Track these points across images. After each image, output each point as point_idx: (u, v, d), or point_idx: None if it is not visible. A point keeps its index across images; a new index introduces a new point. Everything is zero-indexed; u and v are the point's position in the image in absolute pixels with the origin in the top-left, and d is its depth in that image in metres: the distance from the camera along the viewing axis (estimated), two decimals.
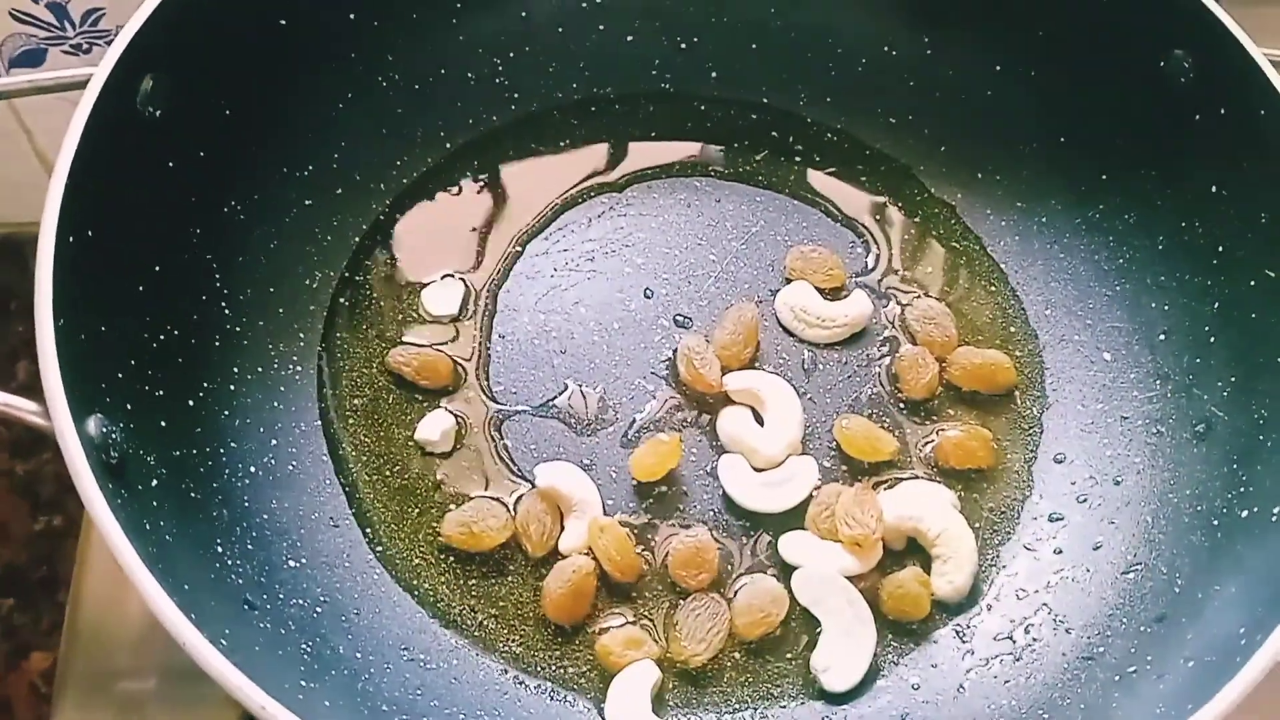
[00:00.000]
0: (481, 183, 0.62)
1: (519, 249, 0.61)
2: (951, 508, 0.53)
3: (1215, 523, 0.48)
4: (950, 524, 0.51)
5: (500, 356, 0.57)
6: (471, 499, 0.53)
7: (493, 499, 0.53)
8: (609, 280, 0.60)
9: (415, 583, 0.52)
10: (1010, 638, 0.50)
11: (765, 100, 0.65)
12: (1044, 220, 0.60)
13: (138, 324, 0.49)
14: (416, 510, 0.53)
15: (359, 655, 0.48)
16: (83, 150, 0.45)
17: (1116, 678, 0.46)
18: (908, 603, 0.51)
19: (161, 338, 0.50)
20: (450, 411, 0.56)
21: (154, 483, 0.45)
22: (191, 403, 0.50)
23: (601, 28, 0.63)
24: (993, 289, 0.60)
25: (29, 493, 0.67)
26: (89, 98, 0.46)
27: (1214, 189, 0.53)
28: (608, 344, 0.58)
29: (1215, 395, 0.52)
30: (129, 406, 0.46)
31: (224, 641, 0.39)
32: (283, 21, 0.55)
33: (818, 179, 0.63)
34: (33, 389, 0.42)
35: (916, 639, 0.51)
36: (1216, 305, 0.53)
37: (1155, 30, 0.54)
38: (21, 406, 0.42)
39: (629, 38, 0.64)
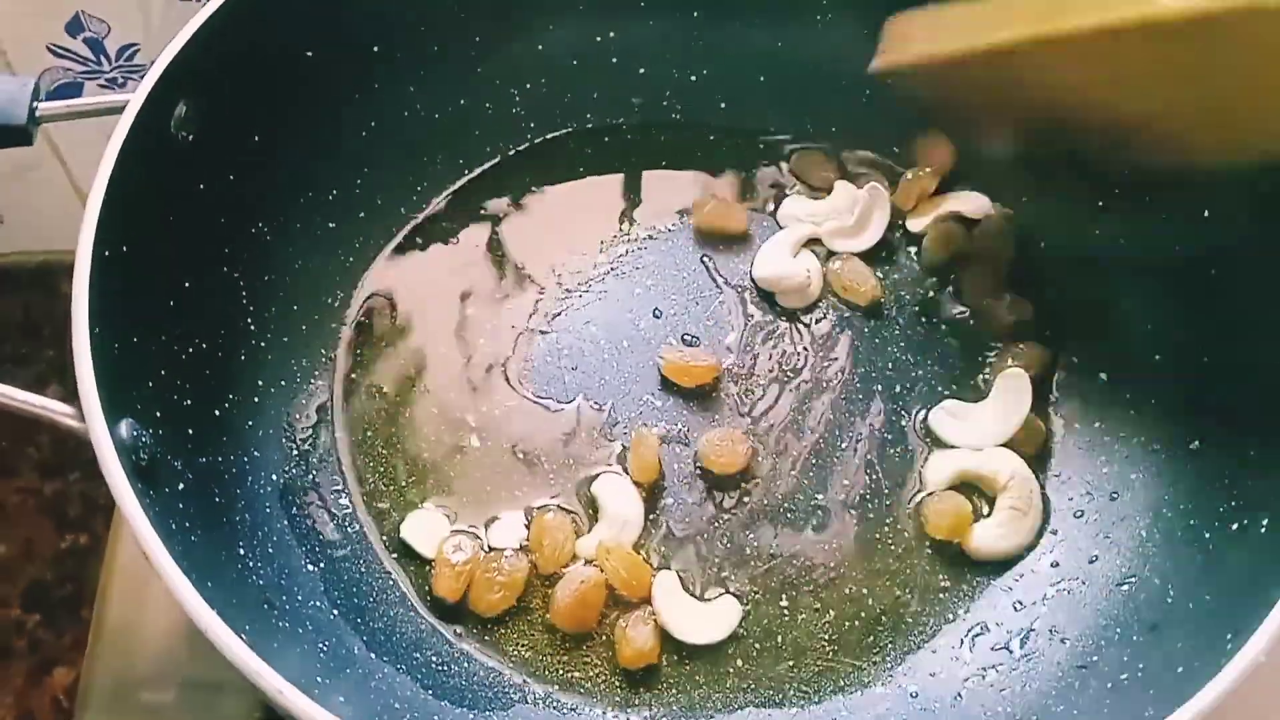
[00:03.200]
0: (498, 208, 0.64)
1: (533, 272, 0.62)
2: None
3: (1207, 535, 0.49)
4: (1023, 475, 0.54)
5: (515, 372, 0.59)
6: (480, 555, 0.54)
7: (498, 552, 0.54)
8: (619, 301, 0.61)
9: (428, 588, 0.53)
10: (1007, 648, 0.51)
11: (773, 129, 0.67)
12: (1043, 246, 0.62)
13: (168, 337, 0.51)
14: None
15: (373, 656, 0.49)
16: (118, 170, 0.47)
17: (1109, 685, 0.47)
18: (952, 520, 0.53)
19: (190, 351, 0.52)
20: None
21: (180, 486, 0.47)
22: (217, 413, 0.52)
23: (615, 60, 0.65)
24: None
25: (56, 512, 0.69)
26: (125, 121, 0.49)
27: (1205, 214, 0.54)
28: (617, 362, 0.59)
29: (1209, 413, 0.53)
30: (159, 414, 0.47)
31: (244, 636, 0.41)
32: (309, 53, 0.58)
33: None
34: None
35: (916, 648, 0.52)
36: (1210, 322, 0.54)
37: None
38: (56, 409, 0.44)
39: (641, 70, 0.66)
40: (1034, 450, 0.56)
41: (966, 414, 0.57)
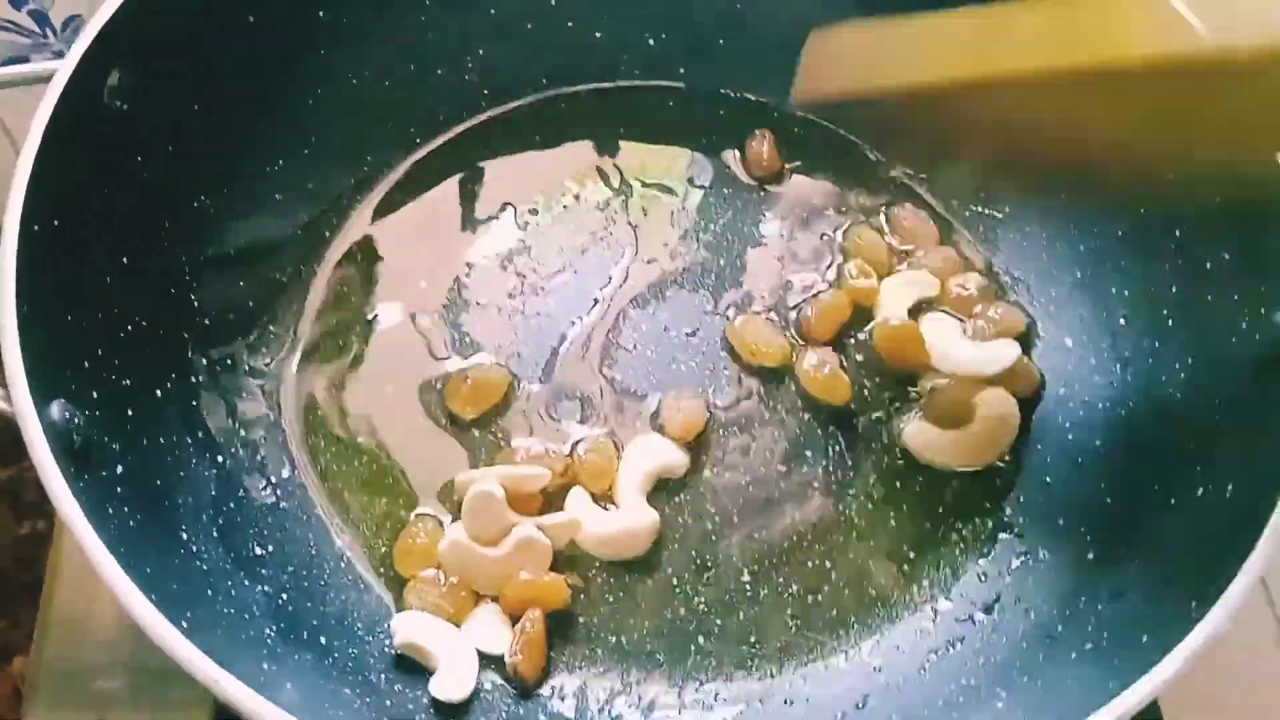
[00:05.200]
0: (455, 179, 0.63)
1: (491, 245, 0.61)
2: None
3: (1173, 501, 0.48)
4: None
5: (475, 348, 0.58)
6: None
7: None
8: (579, 276, 0.60)
9: (382, 570, 0.52)
10: (971, 619, 0.51)
11: (732, 94, 0.65)
12: (1008, 209, 0.61)
13: (105, 314, 0.49)
14: (384, 499, 0.54)
15: (323, 639, 0.48)
16: (49, 141, 0.46)
17: (1074, 655, 0.46)
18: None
19: (129, 328, 0.50)
20: None
21: (119, 469, 0.45)
22: (159, 393, 0.51)
23: (570, 24, 0.64)
24: None
25: (12, 497, 0.67)
26: (55, 89, 0.47)
27: (1170, 176, 0.53)
28: (564, 345, 0.58)
29: (1174, 377, 0.52)
30: (94, 395, 0.46)
31: (185, 624, 0.40)
32: (251, 18, 0.56)
33: (786, 171, 0.64)
34: None
35: (881, 621, 0.51)
36: (1174, 289, 0.53)
37: None
38: None
39: (597, 33, 0.64)
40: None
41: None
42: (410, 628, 0.49)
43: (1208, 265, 0.51)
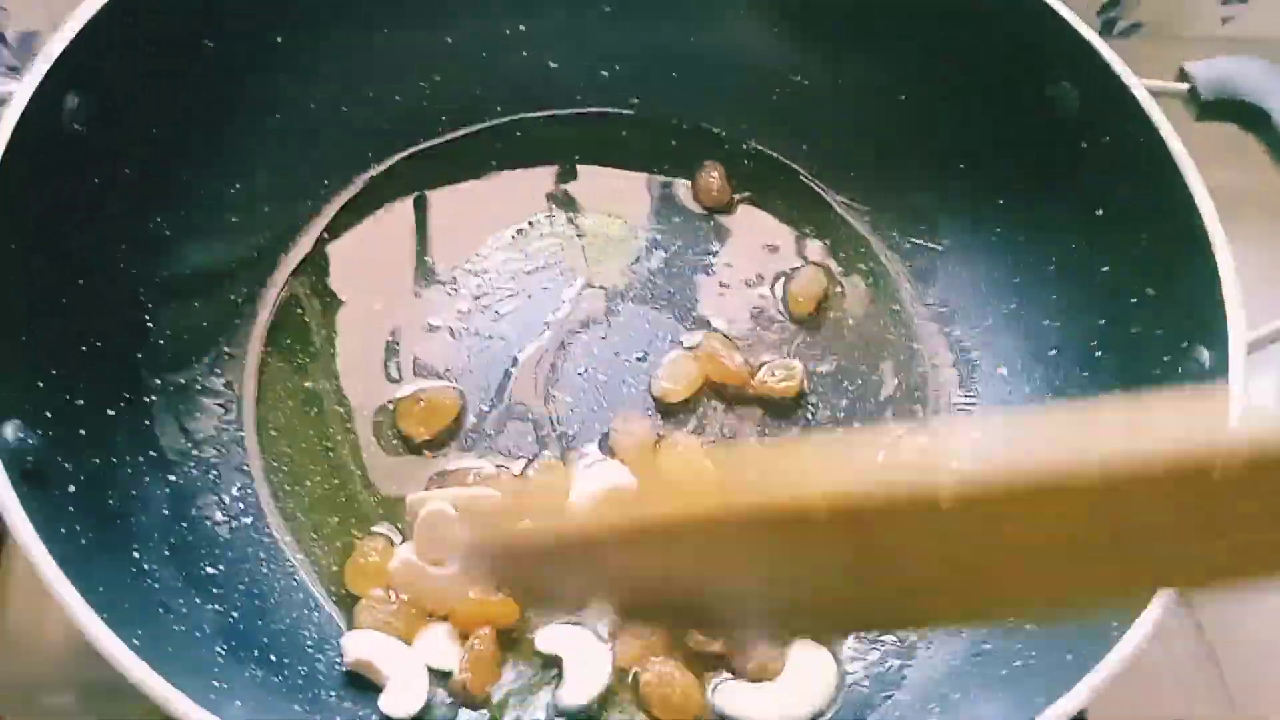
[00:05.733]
0: (410, 204, 0.64)
1: (445, 268, 0.62)
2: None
3: None
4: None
5: (428, 370, 0.59)
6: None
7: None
8: (532, 300, 0.61)
9: (334, 589, 0.53)
10: (903, 640, 0.52)
11: (684, 124, 0.67)
12: (947, 242, 0.63)
13: (59, 335, 0.49)
14: (336, 518, 0.55)
15: (273, 657, 0.49)
16: (4, 163, 0.46)
17: (1004, 672, 0.48)
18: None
19: (83, 349, 0.50)
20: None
21: (71, 489, 0.46)
22: (112, 412, 0.51)
23: (524, 53, 0.65)
24: (895, 308, 0.63)
25: None
26: (13, 113, 0.47)
27: (1098, 212, 0.55)
28: (516, 368, 0.59)
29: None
30: (48, 415, 0.46)
31: (136, 642, 0.40)
32: (208, 43, 0.56)
33: (735, 201, 0.65)
34: None
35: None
36: (1102, 322, 0.55)
37: (1044, 64, 0.56)
38: None
39: (551, 64, 0.66)
40: None
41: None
42: (361, 645, 0.50)
43: (1133, 299, 0.54)
